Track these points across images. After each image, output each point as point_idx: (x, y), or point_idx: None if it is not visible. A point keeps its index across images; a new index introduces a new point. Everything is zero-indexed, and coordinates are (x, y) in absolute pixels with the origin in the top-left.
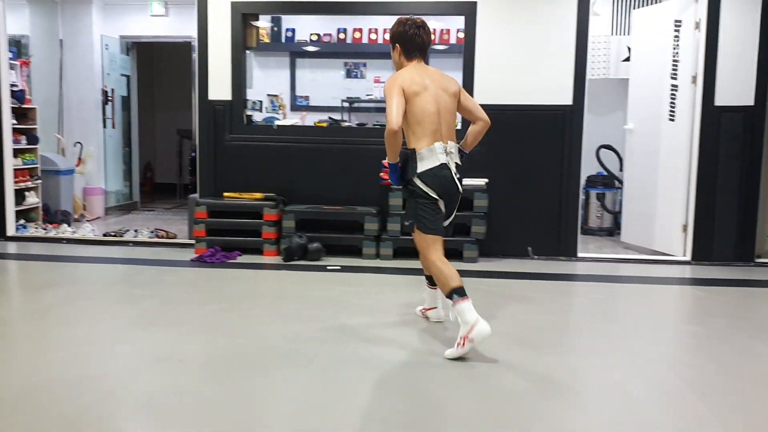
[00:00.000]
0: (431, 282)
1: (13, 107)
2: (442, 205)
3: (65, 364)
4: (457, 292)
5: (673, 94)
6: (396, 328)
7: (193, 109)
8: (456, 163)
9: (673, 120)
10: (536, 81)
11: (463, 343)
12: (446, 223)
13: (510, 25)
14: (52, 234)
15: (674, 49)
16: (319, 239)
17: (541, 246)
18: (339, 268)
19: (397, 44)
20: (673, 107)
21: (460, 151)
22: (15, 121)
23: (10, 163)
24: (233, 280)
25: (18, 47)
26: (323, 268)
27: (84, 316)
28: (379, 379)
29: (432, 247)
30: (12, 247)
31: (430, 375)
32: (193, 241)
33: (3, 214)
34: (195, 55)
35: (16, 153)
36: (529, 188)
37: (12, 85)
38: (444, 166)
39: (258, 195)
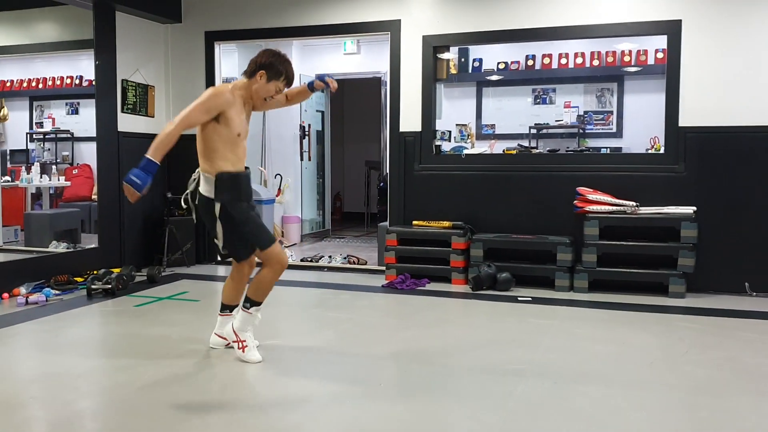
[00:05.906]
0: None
1: None
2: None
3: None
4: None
5: None
6: (598, 365)
7: (381, 141)
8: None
9: None
10: (751, 100)
11: (244, 349)
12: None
13: (720, 39)
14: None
15: None
16: (509, 269)
17: (762, 281)
18: (530, 299)
19: None
20: None
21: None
22: None
23: None
24: (424, 308)
25: None
26: (513, 299)
27: (285, 334)
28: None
29: None
30: (221, 270)
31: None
32: (383, 268)
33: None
34: (384, 89)
35: None
36: (746, 217)
37: None
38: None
39: (446, 223)
